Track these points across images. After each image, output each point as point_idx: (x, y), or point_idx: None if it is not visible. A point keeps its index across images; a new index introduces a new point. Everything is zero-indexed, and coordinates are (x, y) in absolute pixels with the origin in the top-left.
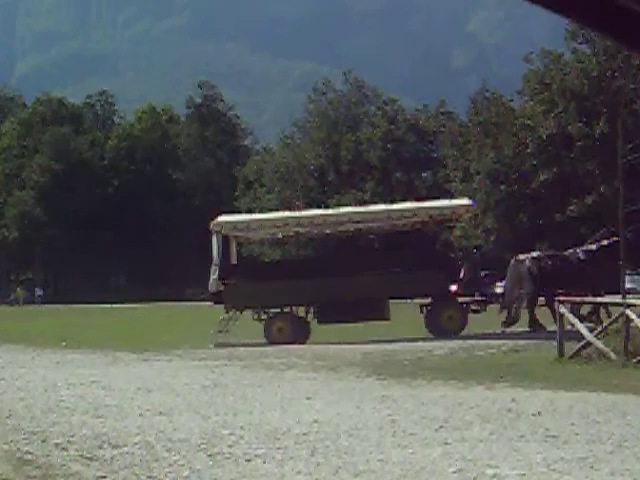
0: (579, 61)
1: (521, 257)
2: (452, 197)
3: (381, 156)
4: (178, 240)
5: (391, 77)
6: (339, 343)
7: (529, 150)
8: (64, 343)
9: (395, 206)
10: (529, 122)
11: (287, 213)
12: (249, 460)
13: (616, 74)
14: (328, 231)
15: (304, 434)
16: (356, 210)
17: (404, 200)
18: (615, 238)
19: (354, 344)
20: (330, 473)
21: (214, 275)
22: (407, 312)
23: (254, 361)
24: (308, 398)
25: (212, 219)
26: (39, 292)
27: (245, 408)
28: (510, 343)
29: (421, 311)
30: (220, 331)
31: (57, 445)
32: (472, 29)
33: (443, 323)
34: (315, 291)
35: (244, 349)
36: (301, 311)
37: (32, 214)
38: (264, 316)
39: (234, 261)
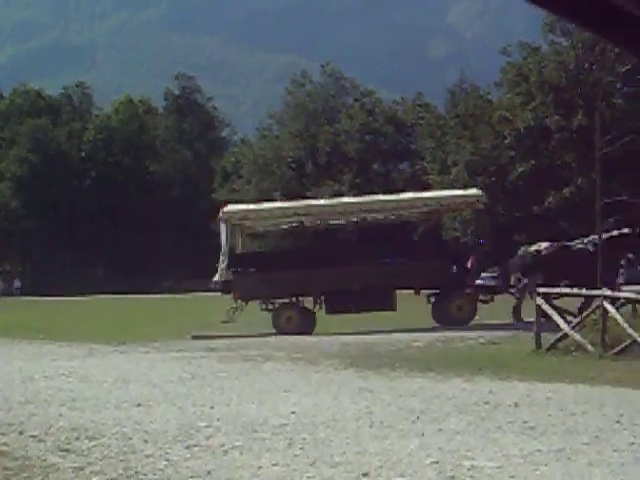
0: (557, 53)
1: (531, 248)
2: (429, 189)
3: (359, 148)
4: (156, 232)
5: (369, 69)
6: (342, 334)
7: (507, 142)
8: (41, 335)
9: (405, 195)
10: (507, 114)
11: (296, 202)
12: (226, 452)
13: (593, 67)
14: (337, 221)
15: (281, 426)
16: (366, 200)
17: (384, 192)
18: (625, 230)
19: (348, 335)
20: (307, 464)
21: (223, 264)
22: (408, 302)
23: (232, 353)
24: (285, 390)
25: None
26: (17, 284)
27: (222, 400)
28: (488, 335)
29: (428, 301)
30: (227, 321)
31: (34, 437)
32: (451, 21)
33: (453, 313)
34: (324, 281)
35: (222, 341)
36: (308, 301)
37: (9, 206)
38: (271, 306)
39: (241, 251)
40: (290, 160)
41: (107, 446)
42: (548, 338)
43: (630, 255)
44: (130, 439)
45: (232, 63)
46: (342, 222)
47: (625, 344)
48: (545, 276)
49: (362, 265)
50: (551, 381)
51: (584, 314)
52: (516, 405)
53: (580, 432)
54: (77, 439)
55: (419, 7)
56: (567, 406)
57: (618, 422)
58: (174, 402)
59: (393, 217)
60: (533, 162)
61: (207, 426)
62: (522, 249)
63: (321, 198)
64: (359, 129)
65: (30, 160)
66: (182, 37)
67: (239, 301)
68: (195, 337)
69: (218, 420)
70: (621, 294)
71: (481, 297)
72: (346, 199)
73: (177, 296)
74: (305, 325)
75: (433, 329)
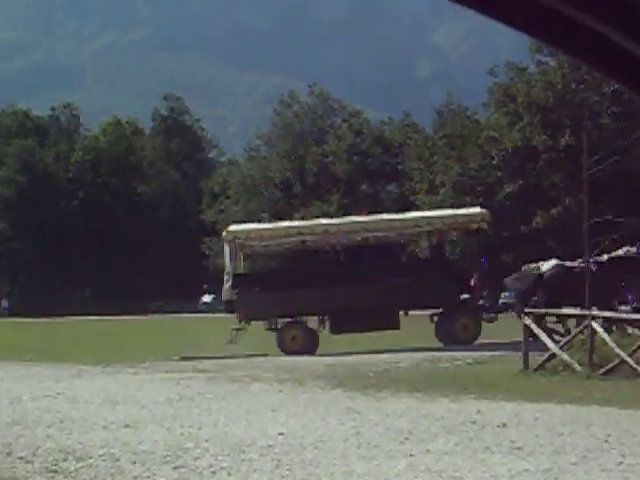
0: (544, 74)
1: (541, 265)
2: (417, 210)
3: (347, 169)
4: (144, 253)
5: (356, 89)
6: (343, 354)
7: (494, 162)
8: (29, 356)
9: (410, 214)
10: (494, 134)
11: (300, 222)
12: (214, 472)
13: (581, 86)
14: (341, 240)
15: (269, 446)
16: (370, 219)
17: (371, 212)
18: (629, 249)
19: (341, 356)
20: None
21: (227, 284)
22: (409, 321)
23: (219, 374)
24: (273, 410)
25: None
26: (5, 304)
27: (210, 421)
28: (475, 355)
29: (431, 320)
30: (231, 342)
31: (21, 458)
32: (436, 41)
33: (458, 332)
34: (329, 300)
35: (209, 362)
36: (311, 321)
37: None
38: (275, 326)
39: (244, 270)
40: (278, 181)
41: (95, 467)
42: (536, 358)
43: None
44: (118, 460)
45: (220, 83)
46: (345, 241)
47: (613, 364)
48: (547, 296)
49: (367, 285)
50: (539, 401)
51: (572, 334)
52: (504, 425)
53: (568, 452)
54: (65, 460)
55: (405, 27)
56: (555, 426)
57: (606, 442)
58: (162, 423)
59: (400, 236)
60: (521, 182)
61: (195, 447)
62: (527, 266)
63: (311, 219)
64: (347, 150)
65: (17, 181)
66: (169, 57)
67: (243, 322)
68: (183, 358)
69: (206, 441)
70: (607, 314)
71: (485, 316)
72: (352, 218)
73: (165, 317)
74: (309, 345)
75: (427, 349)
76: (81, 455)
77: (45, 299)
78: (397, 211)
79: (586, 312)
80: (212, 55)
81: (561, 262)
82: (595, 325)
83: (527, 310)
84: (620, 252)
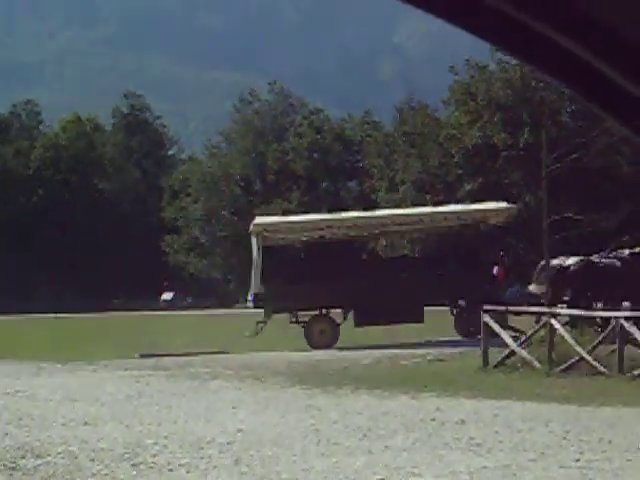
0: (504, 72)
1: (565, 262)
2: (377, 207)
3: (307, 166)
4: (103, 250)
5: (317, 87)
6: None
7: (455, 160)
8: None
9: (438, 208)
10: (454, 132)
11: (330, 215)
12: (172, 470)
13: (540, 85)
14: (368, 233)
15: (228, 443)
16: (400, 212)
17: (331, 210)
18: None
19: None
20: None
21: (256, 278)
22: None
23: (179, 371)
24: (233, 407)
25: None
26: None
27: (169, 418)
28: (435, 352)
29: (451, 312)
30: (254, 335)
31: None
32: (398, 40)
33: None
34: (354, 293)
35: (169, 359)
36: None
37: None
38: (298, 319)
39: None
40: (238, 178)
41: (53, 464)
42: (495, 355)
43: None
44: (76, 457)
45: (181, 81)
46: (366, 234)
47: (572, 361)
48: (573, 292)
49: (391, 278)
50: (498, 398)
51: (530, 332)
52: (463, 422)
53: (527, 449)
54: (23, 457)
55: (365, 26)
56: (514, 423)
57: (565, 439)
58: (121, 420)
59: (427, 230)
60: (481, 180)
61: (154, 444)
62: (552, 263)
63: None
64: (307, 147)
65: None
66: (131, 55)
67: (265, 315)
68: (143, 355)
69: (165, 438)
70: (566, 311)
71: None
72: (382, 211)
73: (125, 314)
74: (334, 338)
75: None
76: (40, 452)
77: (4, 296)
78: (358, 209)
79: (544, 310)
80: (173, 53)
81: (586, 257)
82: (554, 322)
83: (486, 307)
84: (638, 249)
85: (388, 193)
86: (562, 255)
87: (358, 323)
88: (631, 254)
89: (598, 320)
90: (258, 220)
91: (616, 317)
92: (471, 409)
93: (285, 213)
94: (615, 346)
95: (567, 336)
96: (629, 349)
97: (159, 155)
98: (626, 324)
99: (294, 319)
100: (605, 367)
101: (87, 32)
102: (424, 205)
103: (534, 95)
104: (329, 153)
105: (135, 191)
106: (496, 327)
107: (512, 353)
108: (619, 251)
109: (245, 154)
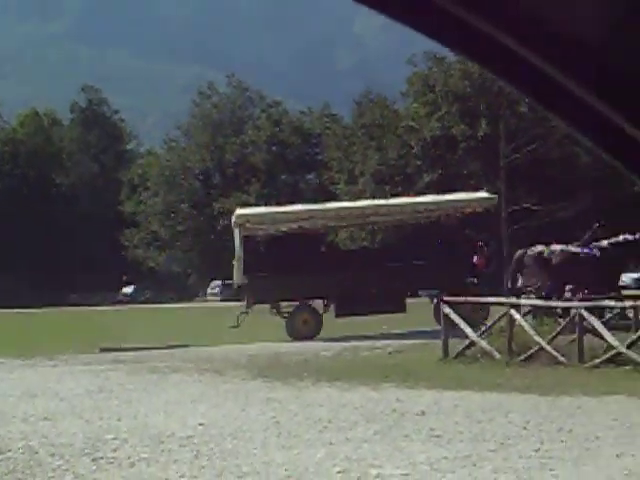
0: (461, 63)
1: (542, 250)
2: (336, 199)
3: (266, 159)
4: (62, 244)
5: (275, 79)
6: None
7: (413, 152)
8: None
9: (421, 199)
10: (413, 124)
11: (313, 205)
12: (133, 464)
13: None
14: (352, 223)
15: (188, 437)
16: (383, 203)
17: (290, 202)
18: (628, 236)
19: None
20: (214, 475)
21: (238, 269)
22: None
23: (139, 365)
24: (193, 401)
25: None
26: None
27: (129, 412)
28: (395, 344)
29: (431, 301)
30: (235, 326)
31: None
32: (357, 31)
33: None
34: (336, 283)
35: (130, 353)
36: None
37: None
38: (279, 310)
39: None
40: (197, 172)
41: (13, 460)
42: (456, 346)
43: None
44: (36, 453)
45: (138, 75)
46: (345, 225)
47: (532, 351)
48: (553, 282)
49: (373, 268)
50: (458, 389)
51: (491, 322)
52: (423, 413)
53: (487, 439)
54: None
55: (325, 18)
56: (474, 413)
57: (525, 429)
58: (81, 415)
59: (410, 220)
60: (440, 171)
61: (114, 439)
62: (530, 251)
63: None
64: (266, 140)
65: None
66: (89, 49)
67: (247, 306)
68: (103, 350)
69: (125, 432)
70: (527, 301)
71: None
72: (364, 202)
73: (85, 308)
74: (317, 328)
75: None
76: (0, 448)
77: None
78: (316, 201)
79: (504, 300)
80: (131, 46)
81: (565, 247)
82: (513, 312)
83: (444, 298)
84: (620, 238)
85: (347, 185)
86: (539, 244)
87: (339, 314)
88: (610, 244)
89: (559, 310)
90: (240, 211)
91: (576, 307)
92: (431, 400)
93: (244, 205)
94: (575, 336)
95: (527, 326)
96: (588, 339)
97: (117, 149)
98: (585, 314)
99: (275, 310)
100: (565, 357)
101: (44, 26)
102: (383, 197)
103: (492, 86)
104: (288, 146)
105: (93, 185)
106: (455, 317)
107: (472, 344)
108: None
109: (204, 148)
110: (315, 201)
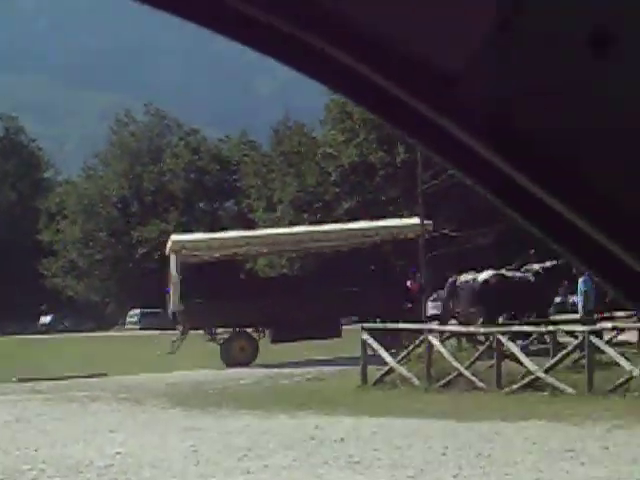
0: None
1: (463, 278)
2: (255, 227)
3: (184, 187)
4: None
5: (194, 107)
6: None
7: (332, 179)
8: None
9: (357, 225)
10: (331, 151)
11: (249, 232)
12: None
13: None
14: (288, 249)
15: (107, 466)
16: (319, 229)
17: (210, 230)
18: (555, 262)
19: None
20: None
21: (175, 295)
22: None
23: (58, 394)
24: (111, 430)
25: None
26: None
27: (47, 442)
28: (315, 371)
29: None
30: (171, 352)
31: None
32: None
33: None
34: (272, 309)
35: (48, 382)
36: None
37: None
38: (214, 335)
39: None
40: (115, 200)
41: None
42: (375, 373)
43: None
44: None
45: (56, 102)
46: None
47: (450, 377)
48: (486, 307)
49: (309, 294)
50: (377, 415)
51: (410, 348)
52: (342, 440)
53: (406, 465)
54: None
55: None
56: (393, 440)
57: (443, 454)
58: None
59: (345, 246)
60: (358, 198)
61: (31, 469)
62: (464, 278)
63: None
64: (184, 168)
65: None
66: (5, 76)
67: (183, 333)
68: (21, 380)
69: (43, 462)
70: (443, 327)
71: None
72: (302, 228)
73: (2, 339)
74: (253, 355)
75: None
76: None
77: None
78: (236, 229)
79: (424, 327)
80: (49, 74)
81: (499, 272)
82: (432, 338)
83: (364, 325)
84: (548, 264)
85: (265, 213)
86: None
87: (274, 339)
88: (543, 269)
89: (481, 338)
90: (176, 238)
91: (493, 333)
92: (350, 427)
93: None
94: (493, 361)
95: (445, 352)
96: (507, 364)
97: (35, 178)
98: (503, 339)
99: (211, 337)
100: (483, 382)
101: None
102: (301, 224)
103: None
104: (206, 174)
105: (11, 214)
106: (374, 344)
107: (391, 370)
108: (529, 265)
109: (122, 176)
110: (234, 228)
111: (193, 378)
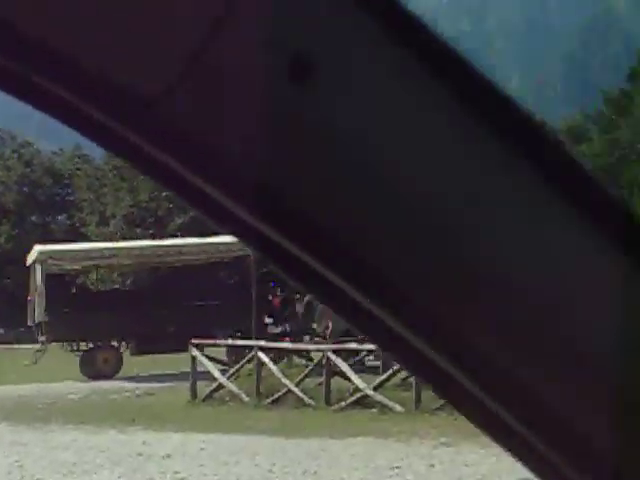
0: None
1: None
2: (88, 240)
3: (16, 199)
4: None
5: (27, 120)
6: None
7: (165, 194)
8: None
9: (221, 239)
10: None
11: (116, 244)
12: None
13: None
14: (152, 262)
15: None
16: (190, 242)
17: (41, 243)
18: None
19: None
20: None
21: (39, 306)
22: None
23: None
24: None
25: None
26: None
27: None
28: (145, 386)
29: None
30: (34, 363)
31: None
32: None
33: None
34: (136, 322)
35: None
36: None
37: None
38: (77, 347)
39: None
40: None
41: None
42: (205, 389)
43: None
44: None
45: None
46: (158, 264)
47: (279, 394)
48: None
49: (171, 307)
50: (206, 431)
51: (239, 364)
52: (169, 456)
53: None
54: None
55: None
56: (220, 456)
57: (270, 471)
58: None
59: (207, 259)
60: (192, 213)
61: None
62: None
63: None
64: (16, 180)
65: None
66: None
67: (45, 344)
68: None
69: None
70: (273, 344)
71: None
72: (167, 241)
73: None
74: (117, 367)
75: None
76: None
77: None
78: (68, 242)
79: (253, 343)
80: None
81: None
82: (261, 355)
83: (193, 341)
84: None
85: (98, 227)
86: None
87: (135, 352)
88: None
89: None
90: (41, 248)
91: (323, 350)
92: (178, 443)
93: None
94: (322, 378)
95: (274, 369)
96: (338, 381)
97: None
98: (332, 357)
99: (73, 348)
100: (312, 399)
101: None
102: (135, 239)
103: None
104: (39, 186)
105: None
106: (203, 360)
107: (220, 386)
108: None
109: None
110: (66, 242)
111: (19, 392)
